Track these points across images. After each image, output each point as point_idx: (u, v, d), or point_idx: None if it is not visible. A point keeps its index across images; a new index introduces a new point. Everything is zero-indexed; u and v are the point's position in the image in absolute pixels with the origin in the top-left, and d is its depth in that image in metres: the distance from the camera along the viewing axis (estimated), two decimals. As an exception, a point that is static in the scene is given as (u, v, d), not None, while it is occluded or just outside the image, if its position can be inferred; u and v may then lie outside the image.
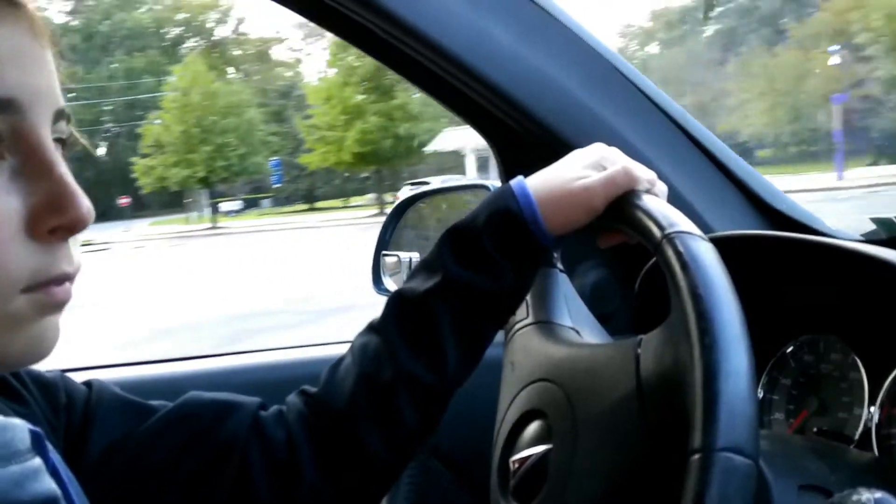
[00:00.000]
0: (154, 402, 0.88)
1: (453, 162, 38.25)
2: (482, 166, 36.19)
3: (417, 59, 1.11)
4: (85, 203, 0.61)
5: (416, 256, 1.39)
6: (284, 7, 1.12)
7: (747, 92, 41.39)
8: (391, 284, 1.42)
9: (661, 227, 0.75)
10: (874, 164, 34.51)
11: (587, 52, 1.14)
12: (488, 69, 1.09)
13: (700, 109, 45.31)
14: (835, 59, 34.81)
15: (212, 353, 1.46)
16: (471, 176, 33.90)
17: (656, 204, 0.80)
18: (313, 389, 0.92)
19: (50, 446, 0.67)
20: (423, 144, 36.84)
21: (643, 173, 0.87)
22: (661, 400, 0.70)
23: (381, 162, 36.78)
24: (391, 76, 35.99)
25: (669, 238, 0.73)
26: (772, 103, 39.68)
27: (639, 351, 0.75)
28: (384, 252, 1.45)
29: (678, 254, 0.70)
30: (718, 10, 59.80)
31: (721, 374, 0.60)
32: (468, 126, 1.21)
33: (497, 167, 1.27)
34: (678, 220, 0.75)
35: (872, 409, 0.93)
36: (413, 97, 35.40)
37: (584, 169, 0.87)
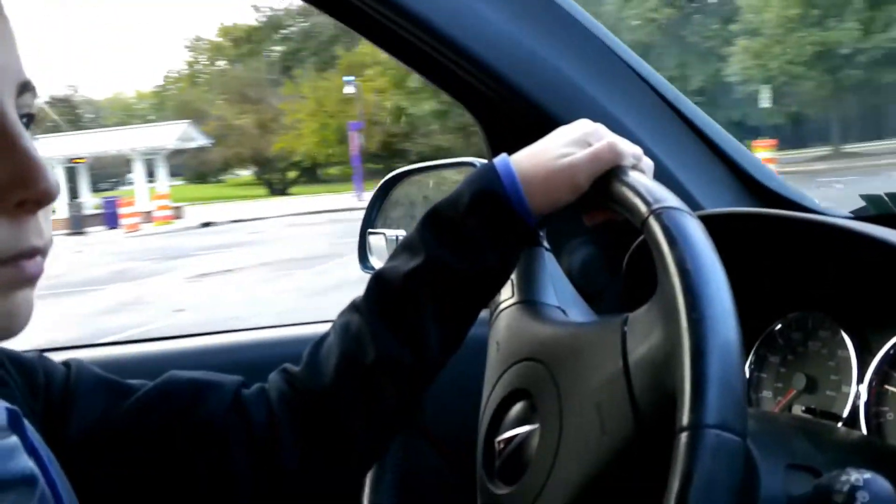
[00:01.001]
0: (133, 382, 0.87)
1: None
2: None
3: (401, 34, 1.09)
4: (51, 176, 0.60)
5: (402, 234, 1.37)
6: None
7: (299, 113, 43.93)
8: (377, 263, 1.41)
9: (646, 203, 0.74)
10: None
11: (573, 26, 1.12)
12: (473, 44, 1.08)
13: (261, 127, 47.73)
14: (349, 89, 36.25)
15: (192, 332, 1.45)
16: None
17: (642, 179, 0.79)
18: (295, 368, 0.91)
19: (29, 426, 0.66)
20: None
21: (628, 148, 0.85)
22: (648, 378, 0.69)
23: None
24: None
25: (656, 213, 0.72)
26: (321, 124, 42.39)
27: (625, 329, 0.74)
28: (370, 230, 1.43)
29: (665, 229, 0.69)
30: (283, 32, 61.55)
31: (709, 350, 0.59)
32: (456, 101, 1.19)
33: (484, 144, 1.25)
34: (664, 196, 0.74)
35: (861, 387, 0.92)
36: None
37: (568, 146, 0.86)
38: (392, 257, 0.90)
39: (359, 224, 1.44)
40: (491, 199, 0.85)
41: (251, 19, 66.31)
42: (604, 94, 1.11)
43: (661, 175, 1.02)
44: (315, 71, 48.52)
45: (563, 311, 0.92)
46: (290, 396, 0.89)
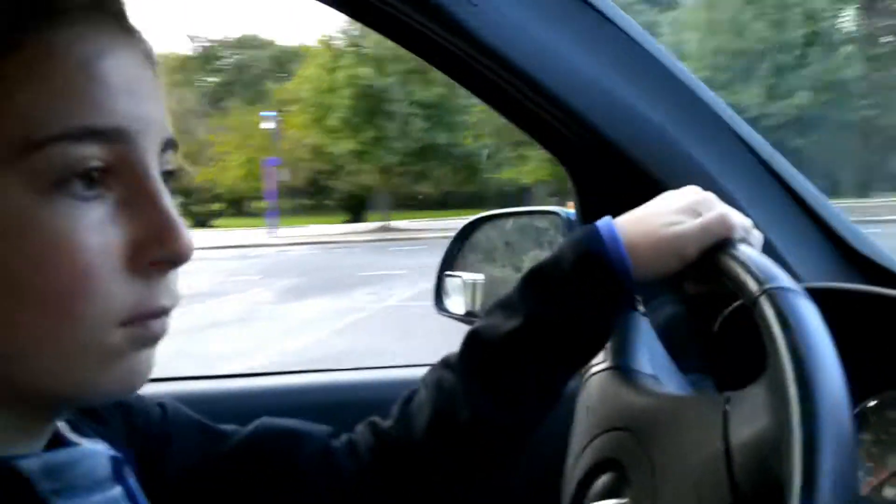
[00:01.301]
0: (226, 427, 0.88)
1: None
2: None
3: (505, 88, 1.08)
4: (187, 236, 0.60)
5: (479, 278, 1.35)
6: (360, 23, 1.09)
7: (226, 145, 44.12)
8: (453, 306, 1.41)
9: (759, 282, 0.71)
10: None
11: (677, 84, 1.09)
12: (576, 100, 1.05)
13: (187, 158, 47.98)
14: (268, 124, 36.30)
15: (277, 370, 1.47)
16: None
17: (753, 255, 0.77)
18: (385, 423, 0.91)
19: (129, 472, 0.68)
20: None
21: (739, 220, 0.84)
22: (752, 463, 0.67)
23: None
24: None
25: (768, 294, 0.69)
26: (247, 158, 42.42)
27: (727, 408, 0.72)
28: (448, 273, 1.40)
29: (777, 311, 0.67)
30: (217, 63, 62.43)
31: (823, 446, 0.57)
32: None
33: (573, 193, 1.22)
34: (777, 274, 0.72)
35: None
36: None
37: (677, 214, 0.84)
38: (488, 316, 0.89)
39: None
40: (595, 264, 0.83)
41: (186, 49, 65.90)
42: (707, 158, 1.08)
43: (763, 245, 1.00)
44: (246, 104, 48.65)
45: (657, 380, 0.89)
46: (379, 450, 0.88)
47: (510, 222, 1.47)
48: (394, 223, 34.25)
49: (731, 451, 0.68)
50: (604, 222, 0.86)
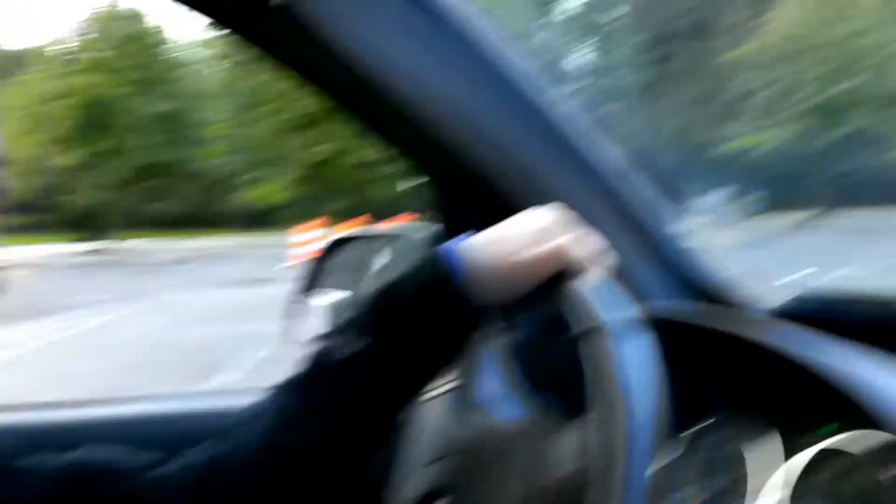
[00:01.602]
0: (30, 462, 0.81)
1: None
2: None
3: (377, 111, 1.09)
4: None
5: (336, 297, 1.32)
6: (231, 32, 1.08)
7: None
8: (305, 330, 1.37)
9: (587, 319, 0.73)
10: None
11: (536, 107, 1.11)
12: (437, 124, 1.06)
13: None
14: None
15: (106, 398, 1.38)
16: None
17: (588, 290, 0.79)
18: (219, 446, 0.86)
19: None
20: None
21: (591, 246, 0.86)
22: (569, 499, 0.68)
23: None
24: None
25: (596, 331, 0.71)
26: None
27: (556, 440, 0.73)
28: (303, 294, 1.35)
29: (599, 352, 0.69)
30: None
31: (627, 495, 0.60)
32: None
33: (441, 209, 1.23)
34: (605, 313, 0.73)
35: (780, 494, 0.96)
36: None
37: (525, 240, 0.85)
38: (333, 337, 0.87)
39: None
40: (438, 288, 0.83)
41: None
42: (562, 177, 1.11)
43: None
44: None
45: (496, 405, 0.90)
46: (211, 476, 0.84)
47: (370, 242, 1.46)
48: (129, 243, 32.05)
49: (550, 489, 0.70)
50: (450, 246, 0.85)
